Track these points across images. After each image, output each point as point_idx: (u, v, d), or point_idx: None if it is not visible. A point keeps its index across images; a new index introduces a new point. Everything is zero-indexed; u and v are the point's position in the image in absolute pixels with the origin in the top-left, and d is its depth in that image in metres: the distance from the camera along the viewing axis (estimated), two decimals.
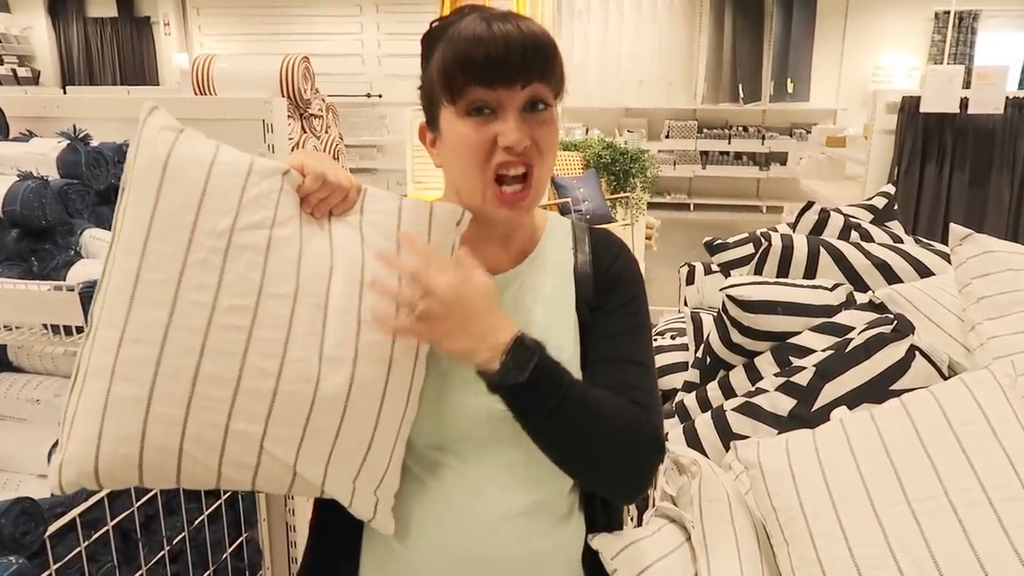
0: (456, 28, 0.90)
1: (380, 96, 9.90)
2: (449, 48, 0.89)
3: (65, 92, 6.73)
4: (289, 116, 2.91)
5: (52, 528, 1.26)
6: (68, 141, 1.63)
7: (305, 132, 3.05)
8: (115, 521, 1.40)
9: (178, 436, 0.79)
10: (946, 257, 1.86)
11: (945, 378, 1.38)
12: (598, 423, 0.90)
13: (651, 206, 6.40)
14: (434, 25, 0.95)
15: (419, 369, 0.91)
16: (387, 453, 0.90)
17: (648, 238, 6.17)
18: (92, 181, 1.62)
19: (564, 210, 5.10)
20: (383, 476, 0.91)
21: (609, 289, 1.02)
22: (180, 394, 0.79)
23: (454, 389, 0.95)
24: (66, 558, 1.31)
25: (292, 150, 2.92)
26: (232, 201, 0.82)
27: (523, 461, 0.95)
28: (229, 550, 1.75)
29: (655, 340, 2.37)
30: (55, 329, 1.41)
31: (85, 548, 1.34)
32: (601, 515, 1.06)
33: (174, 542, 1.57)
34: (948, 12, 7.77)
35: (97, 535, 1.37)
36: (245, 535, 1.81)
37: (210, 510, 1.67)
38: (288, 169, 0.88)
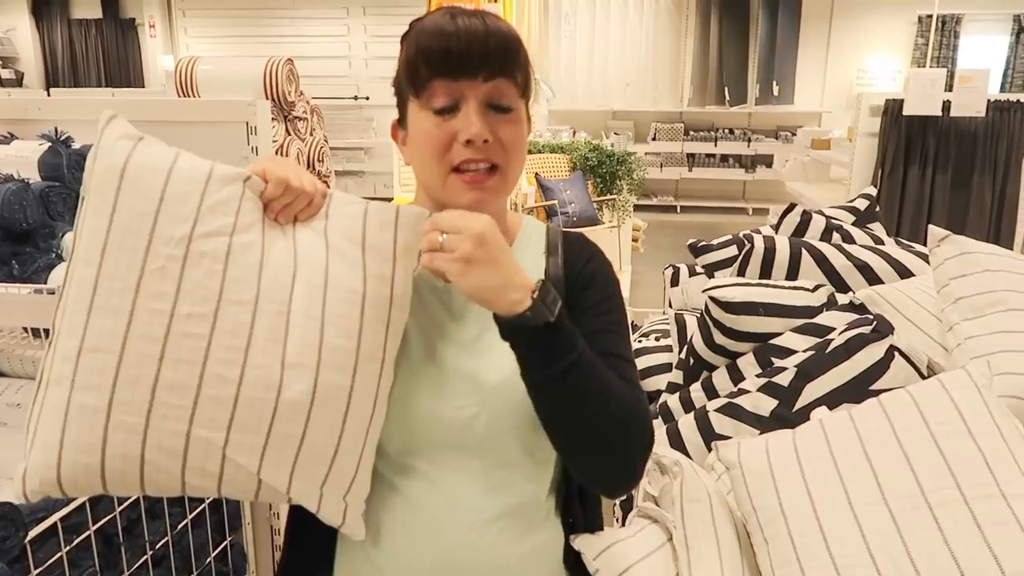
0: (422, 23, 0.91)
1: (367, 98, 9.89)
2: (413, 42, 0.90)
3: (49, 94, 6.69)
4: (273, 119, 2.90)
5: (33, 533, 1.25)
6: (50, 143, 1.62)
7: (289, 134, 3.04)
8: (97, 526, 1.39)
9: (139, 444, 0.79)
10: (926, 258, 1.88)
11: (924, 378, 1.40)
12: (606, 394, 0.88)
13: (638, 208, 6.42)
14: (411, 23, 0.95)
15: (386, 373, 0.90)
16: (355, 458, 0.89)
17: (635, 240, 6.17)
18: (74, 184, 1.61)
19: (551, 212, 5.10)
20: (352, 481, 0.90)
21: (582, 288, 1.01)
22: (140, 402, 0.79)
23: (423, 394, 0.94)
24: (47, 563, 1.30)
25: (277, 152, 2.92)
26: (190, 208, 0.82)
27: (495, 466, 0.95)
28: (213, 554, 1.74)
29: (640, 342, 2.38)
30: (36, 332, 1.41)
31: (66, 553, 1.33)
32: (581, 520, 1.06)
33: (157, 547, 1.56)
34: (931, 16, 7.85)
35: (79, 540, 1.36)
36: (229, 539, 1.81)
37: (194, 514, 1.66)
38: (250, 175, 0.87)
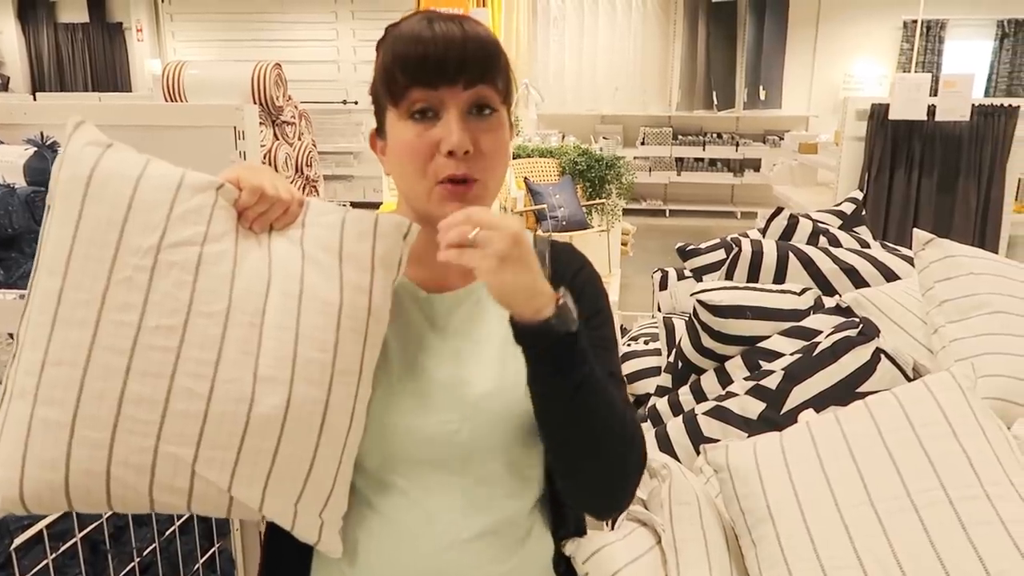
0: (398, 29, 0.88)
1: (356, 103, 9.88)
2: (389, 49, 0.87)
3: (35, 99, 6.66)
4: (261, 123, 2.90)
5: (18, 540, 1.25)
6: (35, 148, 1.61)
7: (278, 139, 3.03)
8: (83, 533, 1.38)
9: (104, 460, 0.77)
10: (911, 261, 1.90)
11: (910, 380, 1.41)
12: (611, 412, 0.87)
13: (627, 212, 6.42)
14: (386, 29, 0.92)
15: (363, 387, 0.87)
16: (331, 475, 0.86)
17: (624, 244, 6.19)
18: None
19: (540, 216, 5.10)
20: (328, 498, 0.87)
21: (574, 300, 0.99)
22: (105, 417, 0.76)
23: (404, 408, 0.91)
24: (33, 571, 1.29)
25: (264, 157, 2.91)
26: (159, 217, 0.80)
27: (476, 483, 0.92)
28: (201, 561, 1.73)
29: (628, 345, 2.39)
30: None
31: (52, 560, 1.32)
32: (572, 528, 1.05)
33: (144, 554, 1.55)
34: (916, 21, 7.92)
35: (65, 547, 1.35)
36: (217, 545, 1.80)
37: (181, 521, 1.65)
38: (222, 183, 0.84)
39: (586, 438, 0.87)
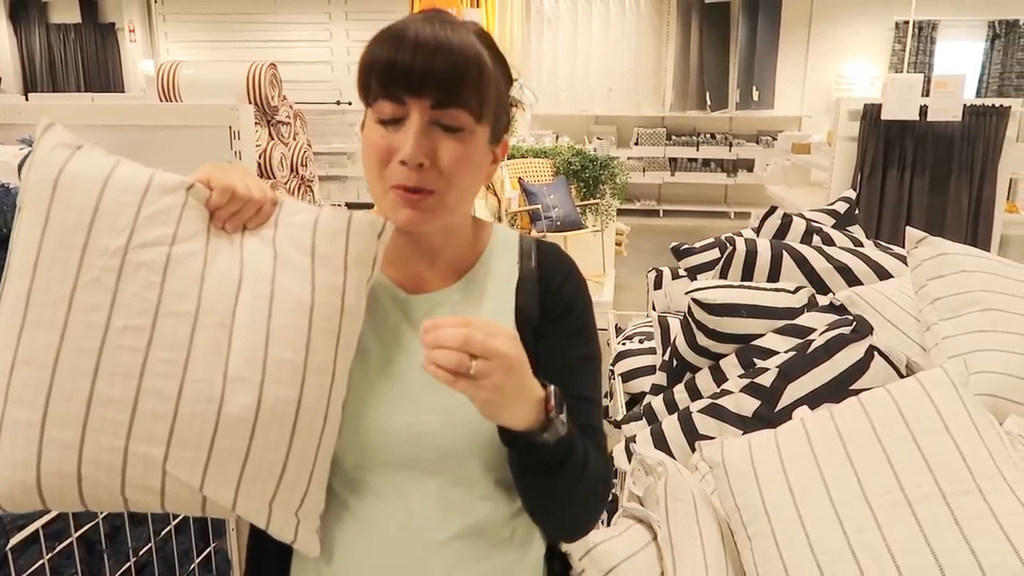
0: (388, 27, 0.86)
1: (350, 103, 9.87)
2: (367, 49, 0.86)
3: (27, 99, 6.63)
4: (256, 123, 2.90)
5: (14, 540, 1.24)
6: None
7: (272, 139, 3.03)
8: (79, 533, 1.38)
9: (75, 460, 0.77)
10: (904, 260, 1.91)
11: (903, 377, 1.42)
12: (585, 477, 0.88)
13: (621, 212, 6.44)
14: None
15: (337, 386, 0.87)
16: (305, 474, 0.86)
17: (618, 244, 6.21)
18: None
19: (534, 216, 5.11)
20: (303, 498, 0.87)
21: (560, 314, 0.97)
22: (74, 417, 0.77)
23: (380, 407, 0.90)
24: (29, 571, 1.29)
25: (260, 156, 2.91)
26: (127, 219, 0.80)
27: (451, 485, 0.91)
28: (197, 561, 1.73)
29: (623, 344, 2.40)
30: None
31: (48, 561, 1.32)
32: None
33: (140, 553, 1.55)
34: (908, 22, 7.96)
35: (61, 547, 1.35)
36: (213, 545, 1.80)
37: (177, 520, 1.65)
38: (193, 183, 0.84)
39: (555, 504, 0.90)
